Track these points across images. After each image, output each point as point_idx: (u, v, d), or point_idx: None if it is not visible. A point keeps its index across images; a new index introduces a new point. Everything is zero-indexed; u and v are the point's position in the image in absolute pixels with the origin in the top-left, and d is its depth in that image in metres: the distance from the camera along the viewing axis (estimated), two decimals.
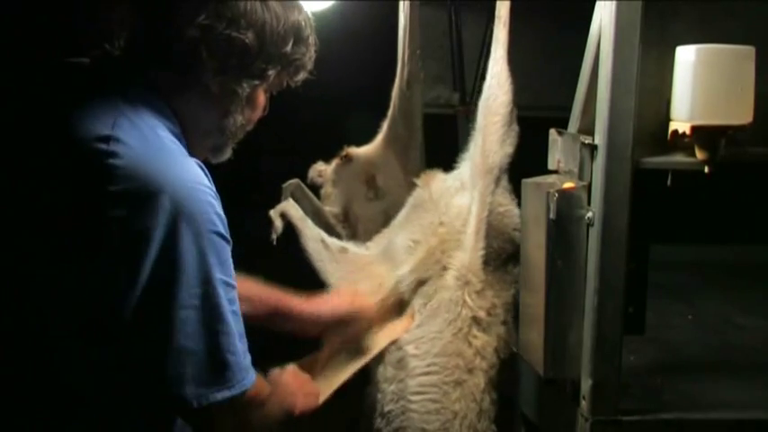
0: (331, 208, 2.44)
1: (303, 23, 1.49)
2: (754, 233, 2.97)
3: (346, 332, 1.94)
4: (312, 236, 2.13)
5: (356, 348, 1.96)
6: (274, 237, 2.13)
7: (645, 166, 1.67)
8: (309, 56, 1.52)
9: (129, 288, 1.27)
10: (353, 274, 2.09)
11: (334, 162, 2.47)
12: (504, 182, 1.97)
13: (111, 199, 1.26)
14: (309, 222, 2.17)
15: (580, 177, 1.68)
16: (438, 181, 2.14)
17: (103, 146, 1.27)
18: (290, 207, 2.18)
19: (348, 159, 2.46)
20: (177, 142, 1.37)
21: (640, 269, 1.74)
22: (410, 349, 1.94)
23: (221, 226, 1.35)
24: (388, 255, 2.11)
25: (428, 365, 1.92)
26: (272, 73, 1.46)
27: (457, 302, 1.93)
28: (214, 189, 1.36)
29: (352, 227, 2.43)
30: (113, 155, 1.27)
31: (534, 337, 1.77)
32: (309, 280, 2.08)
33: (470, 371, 1.92)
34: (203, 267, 1.31)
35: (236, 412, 1.42)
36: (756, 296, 2.62)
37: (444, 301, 1.95)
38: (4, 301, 1.35)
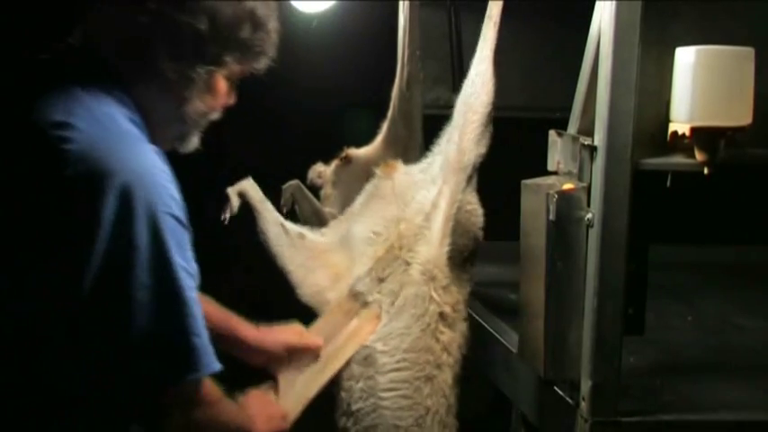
0: (330, 209, 2.44)
1: (260, 9, 1.47)
2: (753, 234, 2.98)
3: (289, 365, 1.91)
4: (272, 219, 2.09)
5: (325, 360, 1.93)
6: (227, 216, 2.08)
7: (644, 168, 1.67)
8: (271, 42, 1.51)
9: (85, 271, 1.28)
10: (310, 260, 2.06)
11: (334, 163, 2.47)
12: (473, 181, 1.97)
13: (64, 183, 1.27)
14: (269, 205, 2.13)
15: (580, 178, 1.68)
16: (401, 172, 2.12)
17: (58, 132, 1.29)
18: (249, 187, 2.12)
19: (348, 160, 2.46)
20: (138, 131, 1.38)
21: (640, 270, 1.74)
22: (378, 346, 1.91)
23: (177, 209, 1.35)
24: (345, 244, 2.08)
25: (398, 361, 1.90)
26: (228, 59, 1.46)
27: (424, 298, 1.92)
28: (171, 174, 1.37)
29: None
30: (67, 140, 1.28)
31: (534, 338, 1.77)
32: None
33: (439, 366, 1.92)
34: (160, 248, 1.31)
35: (193, 403, 1.41)
36: (756, 297, 2.62)
37: (410, 296, 1.93)
38: None
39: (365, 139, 2.51)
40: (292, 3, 2.97)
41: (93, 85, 1.37)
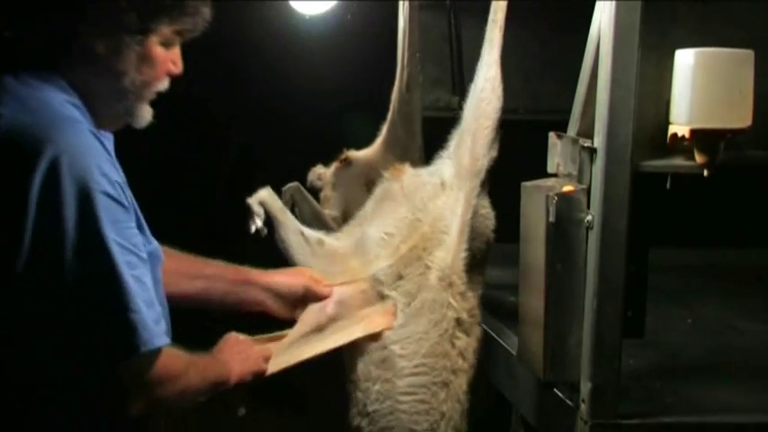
0: (330, 211, 2.44)
1: None
2: (753, 236, 2.98)
3: (300, 309, 1.93)
4: (292, 228, 2.09)
5: (331, 330, 1.94)
6: (256, 226, 2.07)
7: (644, 170, 1.67)
8: (200, 3, 1.50)
9: (17, 251, 1.30)
10: (331, 266, 2.06)
11: (334, 165, 2.47)
12: (485, 185, 1.97)
13: None
14: (289, 213, 2.13)
15: (579, 180, 1.68)
16: (409, 175, 2.12)
17: None
18: (267, 196, 2.12)
19: (347, 163, 2.46)
20: (74, 112, 1.39)
21: (640, 272, 1.74)
22: (396, 349, 1.93)
23: (110, 187, 1.35)
24: (360, 247, 2.08)
25: (416, 366, 1.91)
26: (154, 25, 1.45)
27: (442, 304, 1.93)
28: (106, 155, 1.38)
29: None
30: None
31: (534, 340, 1.77)
32: None
33: (454, 372, 1.93)
34: (91, 225, 1.32)
35: (150, 381, 1.40)
36: (756, 300, 2.62)
37: (428, 301, 1.94)
38: None
39: (365, 142, 2.51)
40: (291, 4, 2.98)
41: (27, 74, 1.39)
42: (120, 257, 1.35)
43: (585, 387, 1.66)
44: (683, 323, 2.40)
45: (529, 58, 2.89)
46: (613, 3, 1.57)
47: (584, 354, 1.67)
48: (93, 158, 1.34)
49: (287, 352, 1.86)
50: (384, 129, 2.48)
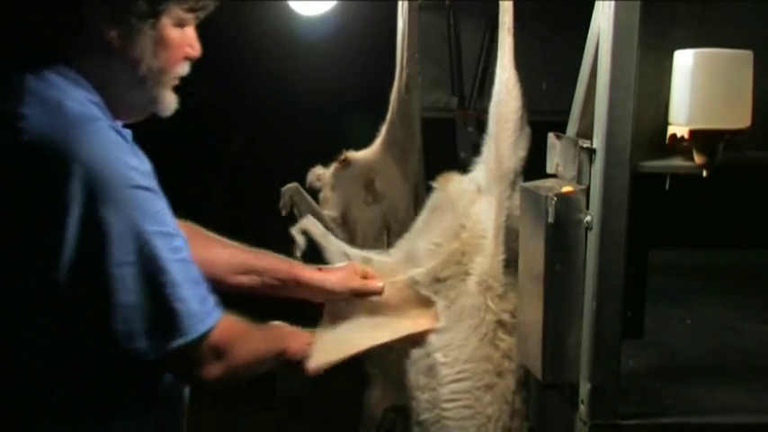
0: (329, 212, 2.45)
1: None
2: (752, 237, 2.97)
3: (349, 305, 1.95)
4: (336, 251, 2.13)
5: (373, 328, 1.96)
6: (298, 253, 2.16)
7: (643, 170, 1.67)
8: None
9: (60, 260, 1.29)
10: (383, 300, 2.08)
11: (333, 166, 2.47)
12: (519, 185, 1.98)
13: (24, 176, 1.29)
14: (331, 237, 2.18)
15: (579, 181, 1.68)
16: (455, 182, 2.14)
17: (10, 123, 1.31)
18: (310, 224, 2.20)
19: (347, 163, 2.46)
20: (93, 109, 1.38)
21: (639, 273, 1.74)
22: (439, 357, 1.95)
23: (141, 179, 1.36)
24: (410, 260, 2.10)
25: (458, 372, 1.93)
26: (163, 6, 1.43)
27: (480, 308, 1.94)
28: (129, 147, 1.38)
29: (351, 231, 2.43)
30: (19, 131, 1.30)
31: (533, 341, 1.77)
32: None
33: (500, 374, 1.93)
34: (130, 223, 1.32)
35: (202, 356, 1.43)
36: (755, 300, 2.62)
37: (467, 307, 1.95)
38: None
39: (364, 142, 2.51)
40: (291, 4, 2.98)
41: (44, 72, 1.38)
42: (164, 248, 1.36)
43: (585, 388, 1.66)
44: (683, 324, 2.40)
45: (528, 59, 2.89)
46: (613, 3, 1.57)
47: (584, 354, 1.67)
48: (118, 154, 1.34)
49: (331, 346, 1.86)
50: (383, 129, 2.49)
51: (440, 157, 2.37)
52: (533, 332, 1.76)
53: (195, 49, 1.52)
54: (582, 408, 1.67)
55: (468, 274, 1.97)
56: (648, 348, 2.03)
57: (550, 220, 1.66)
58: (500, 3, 1.96)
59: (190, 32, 1.50)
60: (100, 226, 1.30)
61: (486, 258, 1.95)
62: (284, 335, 1.68)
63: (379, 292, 1.95)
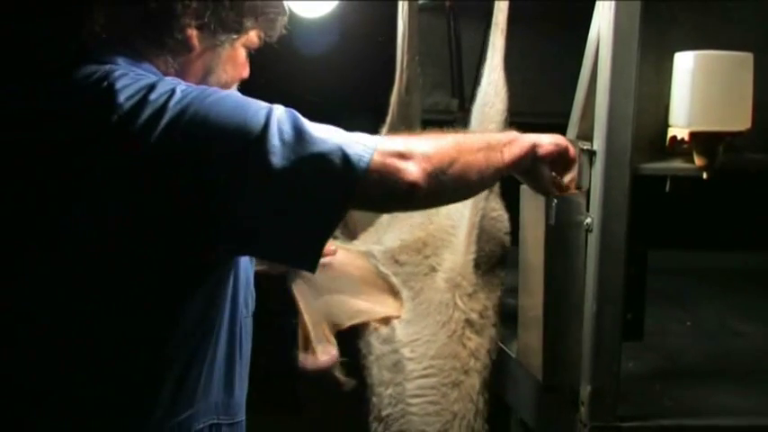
0: None
1: None
2: (752, 239, 2.97)
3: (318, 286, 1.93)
4: None
5: (342, 314, 1.95)
6: None
7: (643, 172, 1.67)
8: (281, 9, 1.54)
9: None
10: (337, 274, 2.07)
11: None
12: (497, 187, 1.98)
13: (126, 111, 1.29)
14: None
15: (579, 183, 1.68)
16: None
17: (103, 84, 1.31)
18: None
19: None
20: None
21: (639, 275, 1.74)
22: (406, 352, 1.94)
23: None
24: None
25: (425, 368, 1.92)
26: (247, 25, 1.48)
27: (447, 305, 1.94)
28: None
29: (351, 232, 2.43)
30: (112, 79, 1.31)
31: (533, 343, 1.77)
32: None
33: (466, 372, 1.93)
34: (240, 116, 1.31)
35: (401, 166, 1.36)
36: (755, 302, 2.62)
37: (434, 302, 1.95)
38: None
39: None
40: (290, 5, 2.97)
41: (121, 65, 1.38)
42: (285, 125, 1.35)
43: (585, 390, 1.66)
44: (683, 326, 2.40)
45: (528, 61, 2.89)
46: (613, 5, 1.57)
47: (584, 356, 1.67)
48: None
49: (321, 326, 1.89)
50: (383, 131, 2.48)
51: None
52: (534, 334, 1.76)
53: (246, 72, 1.57)
54: (582, 410, 1.67)
55: (434, 269, 1.97)
56: (648, 350, 2.03)
57: (551, 221, 1.66)
58: (495, 3, 1.96)
59: (245, 55, 1.55)
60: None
61: (457, 256, 1.95)
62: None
63: (330, 254, 1.91)
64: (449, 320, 1.93)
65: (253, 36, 1.52)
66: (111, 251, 1.31)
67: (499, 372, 2.10)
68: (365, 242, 2.16)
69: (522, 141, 1.57)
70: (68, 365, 1.36)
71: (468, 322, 1.94)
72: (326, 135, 1.35)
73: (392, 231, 2.12)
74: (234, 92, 1.37)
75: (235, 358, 1.50)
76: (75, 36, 1.46)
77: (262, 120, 1.31)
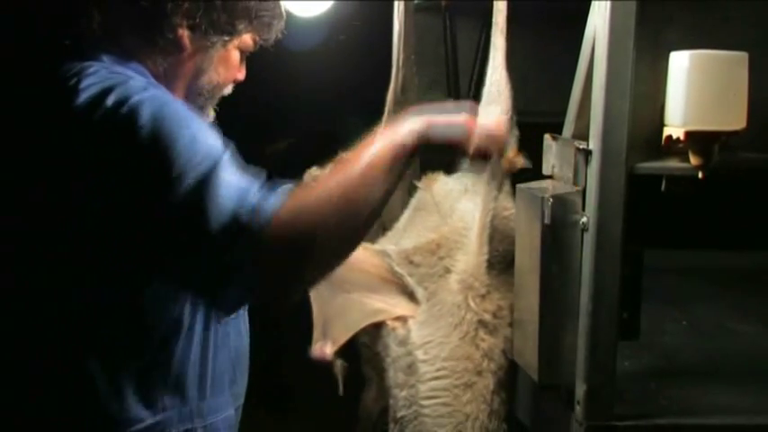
0: None
1: None
2: (748, 239, 2.98)
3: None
4: None
5: (359, 313, 1.97)
6: None
7: (639, 172, 1.67)
8: (277, 12, 1.53)
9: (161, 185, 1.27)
10: (354, 271, 2.08)
11: (329, 167, 2.46)
12: (508, 186, 1.98)
13: (89, 127, 1.30)
14: None
15: (574, 182, 1.68)
16: (440, 183, 2.14)
17: (71, 81, 1.32)
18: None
19: None
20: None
21: (635, 274, 1.74)
22: (419, 354, 1.95)
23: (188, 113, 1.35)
24: None
25: (437, 370, 1.93)
26: (240, 28, 1.47)
27: (460, 306, 1.94)
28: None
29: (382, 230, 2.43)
30: (80, 77, 1.32)
31: (529, 342, 1.77)
32: None
33: (479, 373, 1.94)
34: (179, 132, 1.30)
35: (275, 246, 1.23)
36: (751, 302, 2.62)
37: (447, 304, 1.95)
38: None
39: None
40: (286, 5, 2.97)
41: (110, 62, 1.39)
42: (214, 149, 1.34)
43: (580, 389, 1.66)
44: (679, 325, 2.40)
45: (524, 60, 2.89)
46: (608, 4, 1.57)
47: (580, 356, 1.67)
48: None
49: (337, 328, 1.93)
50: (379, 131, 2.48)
51: (437, 158, 2.36)
52: (529, 333, 1.76)
53: (242, 74, 1.57)
54: (578, 409, 1.67)
55: (448, 271, 1.97)
56: (644, 349, 2.03)
57: (546, 221, 1.66)
58: (494, 3, 1.96)
59: (240, 57, 1.55)
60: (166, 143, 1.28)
61: (469, 257, 1.95)
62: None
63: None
64: (461, 322, 1.94)
65: (247, 39, 1.52)
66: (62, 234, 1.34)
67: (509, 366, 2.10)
68: (383, 245, 2.17)
69: (391, 141, 1.42)
70: (27, 348, 1.39)
71: (482, 323, 1.94)
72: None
73: (408, 234, 2.13)
74: (190, 120, 1.31)
75: (208, 360, 1.49)
76: (70, 33, 1.46)
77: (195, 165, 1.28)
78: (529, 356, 1.77)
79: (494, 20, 1.96)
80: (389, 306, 1.99)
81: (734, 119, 1.62)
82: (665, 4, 1.69)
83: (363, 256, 2.00)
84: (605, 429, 1.66)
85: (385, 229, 2.30)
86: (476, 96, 2.80)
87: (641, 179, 1.67)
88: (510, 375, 1.98)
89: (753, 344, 2.26)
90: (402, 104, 2.45)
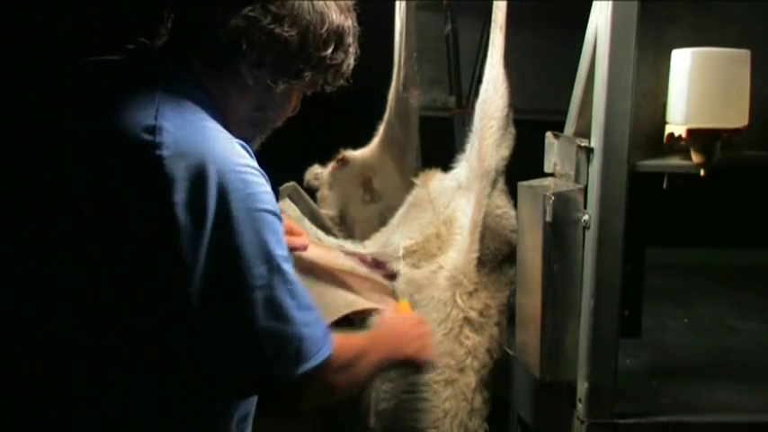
0: (327, 211, 2.44)
1: (347, 30, 1.47)
2: (749, 236, 2.98)
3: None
4: (311, 234, 2.11)
5: (335, 303, 1.95)
6: None
7: (641, 169, 1.67)
8: (348, 63, 1.50)
9: (192, 274, 1.27)
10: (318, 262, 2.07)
11: (331, 165, 2.47)
12: (501, 184, 1.98)
13: (162, 188, 1.26)
14: (306, 222, 2.17)
15: (576, 180, 1.68)
16: (436, 180, 2.14)
17: (149, 137, 1.27)
18: (286, 207, 2.18)
19: (344, 162, 2.46)
20: (221, 128, 1.37)
21: (636, 272, 1.75)
22: None
23: (271, 204, 1.34)
24: None
25: None
26: (308, 74, 1.45)
27: (446, 303, 1.94)
28: (260, 169, 1.36)
29: (349, 229, 2.43)
30: (160, 146, 1.27)
31: (531, 339, 1.77)
32: None
33: (461, 370, 1.93)
34: (262, 245, 1.31)
35: (319, 382, 1.39)
36: (751, 299, 2.62)
37: (434, 299, 1.95)
38: (58, 297, 1.34)
39: (362, 141, 2.51)
40: None
41: (174, 86, 1.36)
42: (290, 273, 1.35)
43: (582, 387, 1.66)
44: (680, 323, 2.41)
45: (526, 58, 2.90)
46: (610, 2, 1.57)
47: (581, 353, 1.67)
48: (252, 176, 1.32)
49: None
50: (381, 128, 2.49)
51: (437, 156, 2.36)
52: (531, 331, 1.76)
53: (296, 110, 1.55)
54: (579, 406, 1.67)
55: (440, 267, 1.97)
56: (646, 347, 2.04)
57: (548, 219, 1.66)
58: (494, 1, 1.96)
59: (300, 95, 1.54)
60: (232, 247, 1.28)
61: (460, 254, 1.95)
62: (393, 344, 1.64)
63: (300, 248, 1.91)
64: (446, 318, 1.93)
65: (311, 82, 1.48)
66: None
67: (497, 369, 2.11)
68: (375, 243, 2.16)
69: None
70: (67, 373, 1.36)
71: (467, 320, 1.94)
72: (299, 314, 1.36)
73: (401, 229, 2.12)
74: (270, 223, 1.33)
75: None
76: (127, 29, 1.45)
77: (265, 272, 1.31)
78: (531, 354, 1.77)
79: (493, 17, 1.96)
80: (361, 298, 1.98)
81: (736, 116, 1.62)
82: (667, 2, 1.69)
83: (319, 251, 1.99)
84: (607, 427, 1.66)
85: (384, 223, 2.30)
86: (477, 93, 2.81)
87: (643, 177, 1.68)
88: (494, 375, 1.97)
89: (754, 341, 2.26)
90: (404, 102, 2.46)
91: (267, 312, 1.31)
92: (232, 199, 1.28)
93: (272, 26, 1.37)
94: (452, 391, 1.92)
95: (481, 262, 1.95)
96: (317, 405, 1.45)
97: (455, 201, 2.06)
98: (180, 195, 1.26)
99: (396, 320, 1.75)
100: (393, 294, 2.02)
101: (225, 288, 1.30)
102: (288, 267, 1.34)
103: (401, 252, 2.03)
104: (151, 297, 1.30)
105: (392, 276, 2.05)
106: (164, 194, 1.26)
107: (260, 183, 1.33)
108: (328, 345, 1.39)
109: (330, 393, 1.44)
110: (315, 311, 1.40)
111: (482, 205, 1.94)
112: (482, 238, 1.95)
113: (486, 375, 1.95)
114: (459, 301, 1.93)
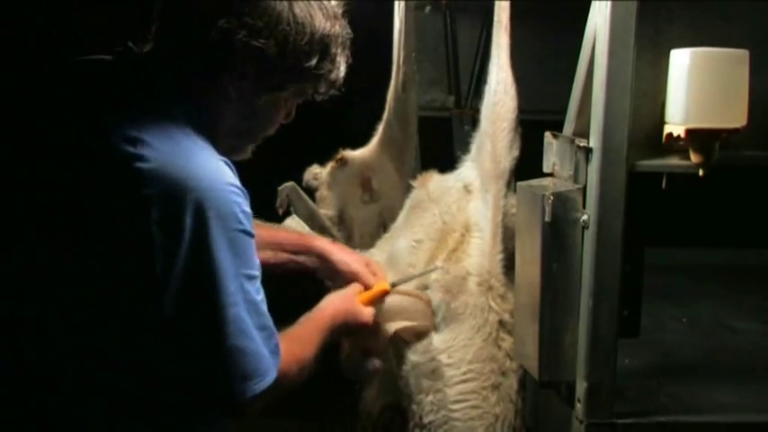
0: (326, 211, 2.45)
1: (334, 39, 1.46)
2: (748, 236, 2.98)
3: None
4: None
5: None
6: None
7: (640, 169, 1.67)
8: (337, 72, 1.50)
9: (165, 288, 1.28)
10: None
11: (330, 165, 2.47)
12: (513, 184, 1.98)
13: (140, 202, 1.26)
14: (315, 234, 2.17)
15: (575, 180, 1.68)
16: (435, 181, 2.14)
17: (131, 149, 1.28)
18: (291, 222, 2.19)
19: (343, 162, 2.46)
20: (205, 142, 1.37)
21: (635, 272, 1.74)
22: (443, 359, 1.95)
23: (248, 224, 1.35)
24: (393, 260, 2.11)
25: (464, 373, 1.93)
26: (292, 85, 1.45)
27: (483, 308, 1.94)
28: (241, 187, 1.37)
29: (348, 229, 2.43)
30: (141, 158, 1.27)
31: (529, 340, 1.77)
32: None
33: (504, 373, 1.95)
34: (235, 265, 1.32)
35: (269, 393, 1.42)
36: (750, 299, 2.62)
37: (469, 306, 1.95)
38: (37, 309, 1.35)
39: (361, 142, 2.51)
40: None
41: (161, 95, 1.36)
42: (253, 290, 1.37)
43: (581, 386, 1.66)
44: (679, 323, 2.40)
45: (525, 58, 2.89)
46: (609, 2, 1.57)
47: (580, 353, 1.67)
48: (233, 195, 1.33)
49: None
50: (380, 129, 2.49)
51: (436, 156, 2.37)
52: (530, 331, 1.76)
53: (289, 118, 1.55)
54: (578, 406, 1.67)
55: (468, 273, 1.97)
56: (644, 347, 2.03)
57: (547, 218, 1.66)
58: (496, 2, 1.96)
59: (292, 103, 1.53)
60: (209, 262, 1.29)
61: (485, 258, 1.95)
62: (327, 319, 1.69)
63: (370, 286, 1.90)
64: (485, 323, 1.94)
65: (298, 91, 1.49)
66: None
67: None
68: (381, 249, 2.16)
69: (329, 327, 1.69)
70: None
71: (502, 323, 1.95)
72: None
73: (406, 234, 2.12)
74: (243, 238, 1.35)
75: None
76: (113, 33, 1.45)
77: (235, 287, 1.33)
78: (529, 354, 1.77)
79: (496, 18, 1.96)
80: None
81: (734, 116, 1.62)
82: (666, 2, 1.69)
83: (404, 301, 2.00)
84: (606, 427, 1.66)
85: (385, 228, 2.30)
86: (476, 93, 2.81)
87: (642, 177, 1.68)
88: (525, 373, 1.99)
89: (753, 341, 2.26)
90: (403, 102, 2.46)
91: (235, 330, 1.33)
92: (210, 217, 1.28)
93: (247, 38, 1.36)
94: (500, 395, 1.94)
95: (504, 262, 1.96)
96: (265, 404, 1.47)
97: (468, 203, 2.06)
98: (156, 211, 1.26)
99: (330, 298, 1.77)
100: (430, 305, 2.01)
101: (197, 305, 1.31)
102: (250, 286, 1.36)
103: (439, 263, 2.02)
104: (125, 307, 1.31)
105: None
106: (141, 208, 1.26)
107: (238, 202, 1.33)
108: (278, 356, 1.42)
109: (280, 392, 1.46)
110: (271, 327, 1.42)
111: (500, 206, 1.94)
112: (503, 239, 1.95)
113: (522, 375, 1.97)
114: (493, 304, 1.94)
